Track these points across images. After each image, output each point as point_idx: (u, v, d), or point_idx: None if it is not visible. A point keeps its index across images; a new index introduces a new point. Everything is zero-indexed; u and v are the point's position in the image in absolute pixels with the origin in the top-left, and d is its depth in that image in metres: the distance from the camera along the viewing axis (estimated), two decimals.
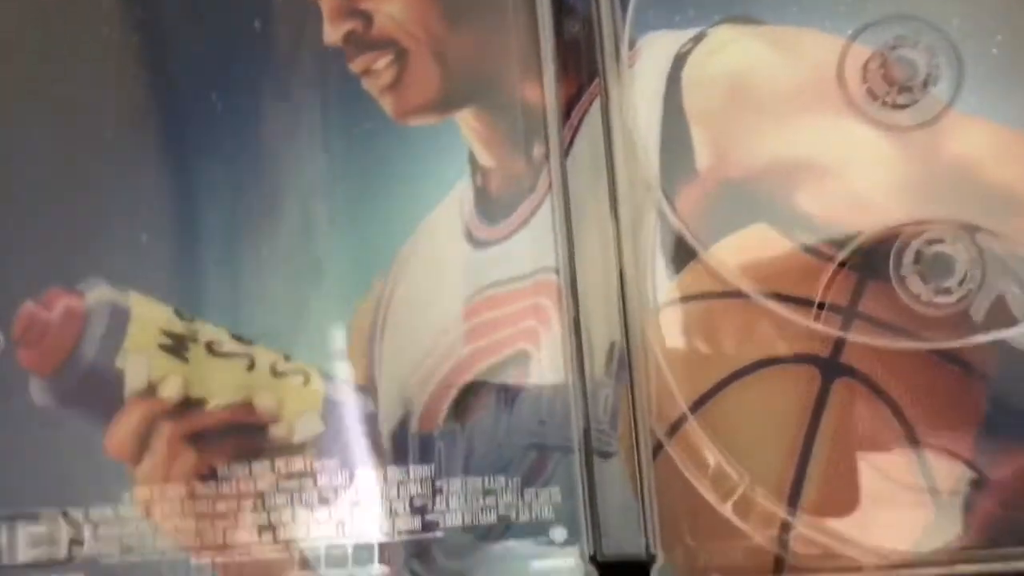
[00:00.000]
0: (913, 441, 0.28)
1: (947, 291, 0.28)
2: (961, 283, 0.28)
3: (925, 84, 0.29)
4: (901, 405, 0.28)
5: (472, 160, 0.30)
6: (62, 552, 0.28)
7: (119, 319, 0.29)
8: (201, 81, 0.30)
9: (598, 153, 0.30)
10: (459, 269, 0.30)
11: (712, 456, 0.28)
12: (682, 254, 0.29)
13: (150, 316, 0.29)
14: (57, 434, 0.29)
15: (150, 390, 0.29)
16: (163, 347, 0.29)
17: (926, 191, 0.29)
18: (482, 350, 0.29)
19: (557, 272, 0.29)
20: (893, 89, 0.29)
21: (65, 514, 0.28)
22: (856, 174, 0.29)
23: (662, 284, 0.29)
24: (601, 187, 0.30)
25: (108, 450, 0.29)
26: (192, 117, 0.30)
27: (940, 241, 0.29)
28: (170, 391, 0.29)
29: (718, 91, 0.30)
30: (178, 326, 0.29)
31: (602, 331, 0.29)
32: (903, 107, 0.29)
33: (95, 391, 0.29)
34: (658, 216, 0.30)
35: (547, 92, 0.30)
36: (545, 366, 0.29)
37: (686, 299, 0.29)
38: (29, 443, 0.29)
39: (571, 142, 0.30)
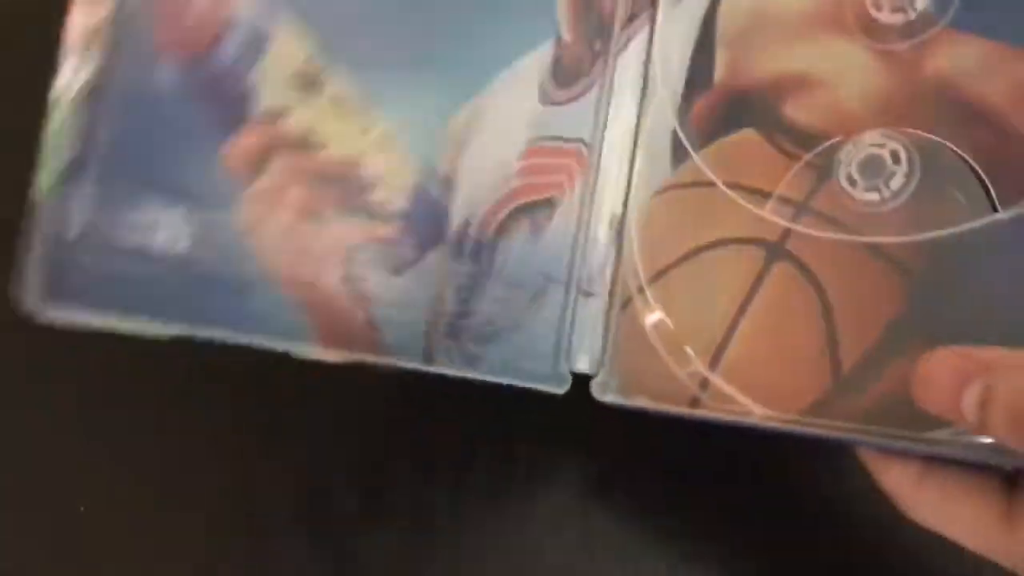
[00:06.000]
0: (830, 323, 0.32)
1: (876, 189, 0.32)
2: (889, 183, 0.32)
3: (914, 3, 0.32)
4: (828, 291, 0.32)
5: (558, 33, 0.36)
6: (159, 242, 0.27)
7: (259, 39, 0.29)
8: None
9: (641, 60, 0.37)
10: (528, 116, 0.35)
11: (663, 314, 0.37)
12: (681, 151, 0.37)
13: (288, 50, 0.30)
14: (177, 126, 0.28)
15: (275, 116, 0.29)
16: (293, 85, 0.30)
17: (902, 104, 0.32)
18: (527, 187, 0.35)
19: (588, 146, 0.36)
20: (885, 9, 0.33)
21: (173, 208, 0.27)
22: (843, 87, 0.33)
23: (661, 173, 0.37)
24: (637, 87, 0.37)
25: (226, 160, 0.28)
26: None
27: (880, 145, 0.32)
28: (293, 125, 0.30)
29: (742, 16, 0.37)
30: (313, 69, 0.30)
31: (608, 203, 0.37)
32: (896, 26, 0.33)
33: (225, 95, 0.28)
34: (675, 117, 0.37)
35: (619, 7, 0.37)
36: (562, 216, 0.36)
37: (675, 187, 0.37)
38: (153, 125, 0.27)
39: (626, 46, 0.37)
